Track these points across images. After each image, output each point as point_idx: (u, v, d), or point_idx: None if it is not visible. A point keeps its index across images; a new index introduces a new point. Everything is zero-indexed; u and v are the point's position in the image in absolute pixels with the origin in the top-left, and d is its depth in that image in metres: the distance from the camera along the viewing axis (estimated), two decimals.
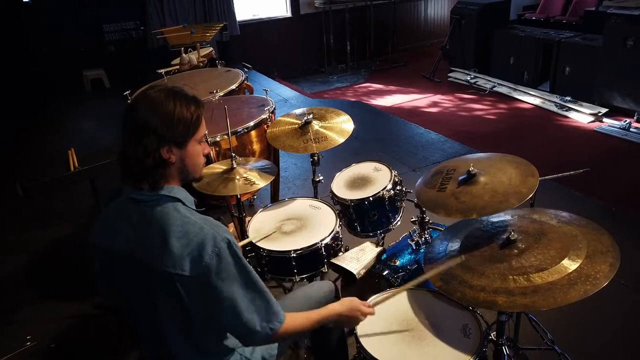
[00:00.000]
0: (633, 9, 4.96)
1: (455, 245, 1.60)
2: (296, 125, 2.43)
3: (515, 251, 1.44)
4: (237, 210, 2.37)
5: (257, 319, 1.31)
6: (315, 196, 2.49)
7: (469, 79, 6.88)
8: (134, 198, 1.29)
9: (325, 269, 2.04)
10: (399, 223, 2.24)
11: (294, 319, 1.41)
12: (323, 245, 1.99)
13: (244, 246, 2.03)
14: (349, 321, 1.56)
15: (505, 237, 1.48)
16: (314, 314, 1.48)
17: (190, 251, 1.23)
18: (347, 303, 1.53)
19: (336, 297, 1.86)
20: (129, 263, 1.31)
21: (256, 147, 2.80)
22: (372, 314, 1.57)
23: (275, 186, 3.29)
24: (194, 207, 1.36)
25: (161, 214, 1.27)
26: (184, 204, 1.31)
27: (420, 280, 1.59)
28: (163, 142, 1.24)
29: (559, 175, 1.77)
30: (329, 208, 2.22)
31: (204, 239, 1.24)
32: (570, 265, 1.34)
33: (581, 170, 1.77)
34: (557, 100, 5.76)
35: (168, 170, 1.29)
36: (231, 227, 3.08)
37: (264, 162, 2.28)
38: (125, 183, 1.31)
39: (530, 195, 1.50)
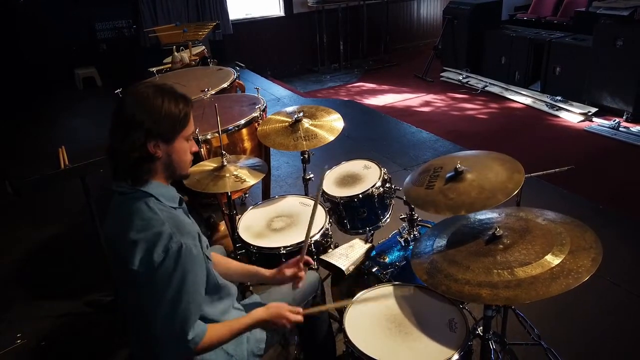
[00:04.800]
0: (622, 9, 5.01)
1: (442, 241, 1.62)
2: (286, 123, 2.44)
3: (501, 246, 1.46)
4: (228, 208, 2.38)
5: (169, 333, 1.27)
6: (306, 194, 2.50)
7: (461, 78, 6.92)
8: (115, 190, 1.33)
9: (314, 265, 2.05)
10: (388, 220, 2.26)
11: (211, 337, 1.36)
12: (312, 241, 2.00)
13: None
14: (274, 326, 1.52)
15: (491, 233, 1.51)
16: (235, 324, 1.44)
17: (142, 246, 1.24)
18: (273, 310, 1.50)
19: (321, 292, 1.89)
20: (112, 255, 1.36)
21: (247, 145, 2.80)
22: (299, 321, 1.52)
23: (266, 184, 3.29)
24: (176, 204, 1.37)
25: (133, 207, 1.29)
26: (157, 199, 1.31)
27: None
28: (150, 137, 1.26)
29: (544, 172, 1.80)
30: (319, 205, 2.23)
31: (158, 237, 1.24)
32: (553, 260, 1.36)
33: (565, 168, 1.79)
34: (548, 100, 5.81)
35: (154, 165, 1.31)
36: (222, 225, 3.09)
37: (254, 160, 2.28)
38: (114, 177, 1.33)
39: (517, 191, 1.52)
